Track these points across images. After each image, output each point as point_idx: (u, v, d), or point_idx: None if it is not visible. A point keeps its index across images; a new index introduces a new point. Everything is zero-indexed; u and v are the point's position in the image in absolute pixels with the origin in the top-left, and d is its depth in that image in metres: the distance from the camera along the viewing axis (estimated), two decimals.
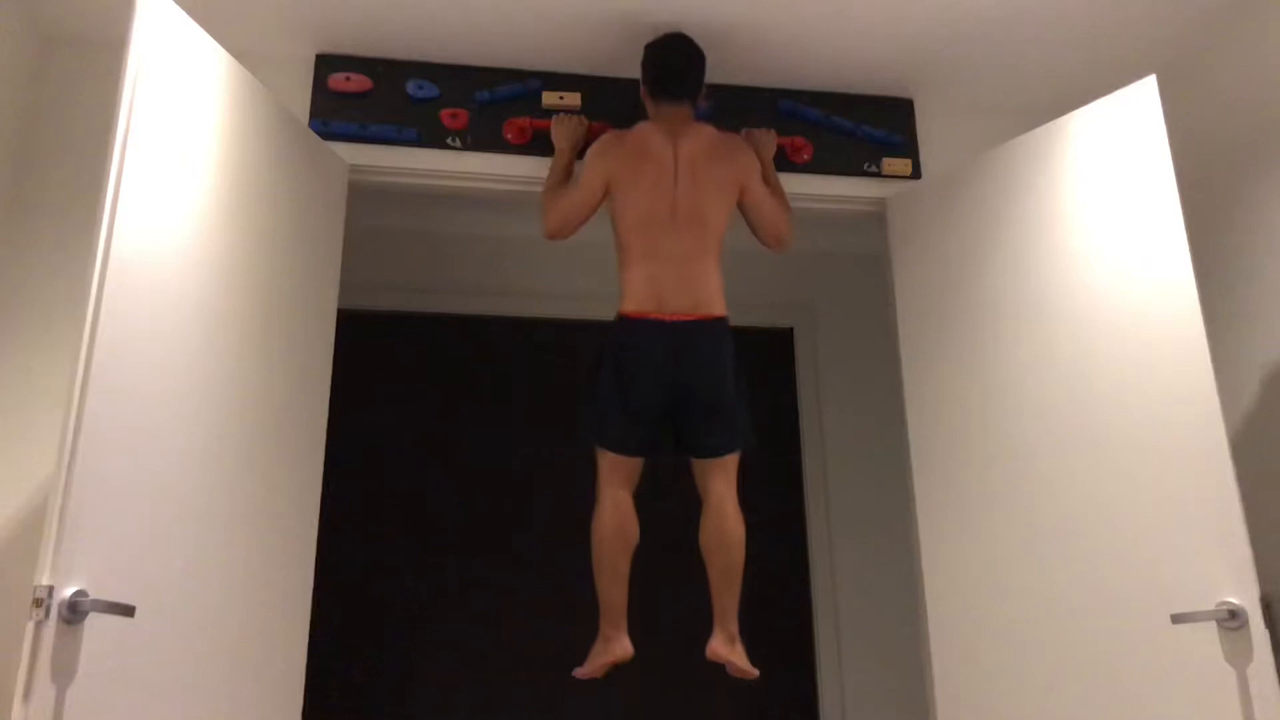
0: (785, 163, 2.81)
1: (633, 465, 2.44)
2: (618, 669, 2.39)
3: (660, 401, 2.40)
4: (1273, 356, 2.46)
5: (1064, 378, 2.31)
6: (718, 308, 2.45)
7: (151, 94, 1.95)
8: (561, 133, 2.66)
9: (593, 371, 2.48)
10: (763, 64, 2.80)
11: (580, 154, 2.67)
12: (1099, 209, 2.32)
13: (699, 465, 2.46)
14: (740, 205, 2.58)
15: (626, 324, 2.42)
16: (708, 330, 2.42)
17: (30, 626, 1.61)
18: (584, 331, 3.73)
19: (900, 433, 2.67)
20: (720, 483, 2.43)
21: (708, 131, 2.57)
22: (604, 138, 2.58)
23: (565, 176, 2.62)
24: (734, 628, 2.39)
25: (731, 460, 2.46)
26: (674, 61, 2.55)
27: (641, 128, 2.56)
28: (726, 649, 2.36)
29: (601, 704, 3.36)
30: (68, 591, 1.65)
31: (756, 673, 2.37)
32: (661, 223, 2.46)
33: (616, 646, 2.36)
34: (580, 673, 2.40)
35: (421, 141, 2.68)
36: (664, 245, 2.45)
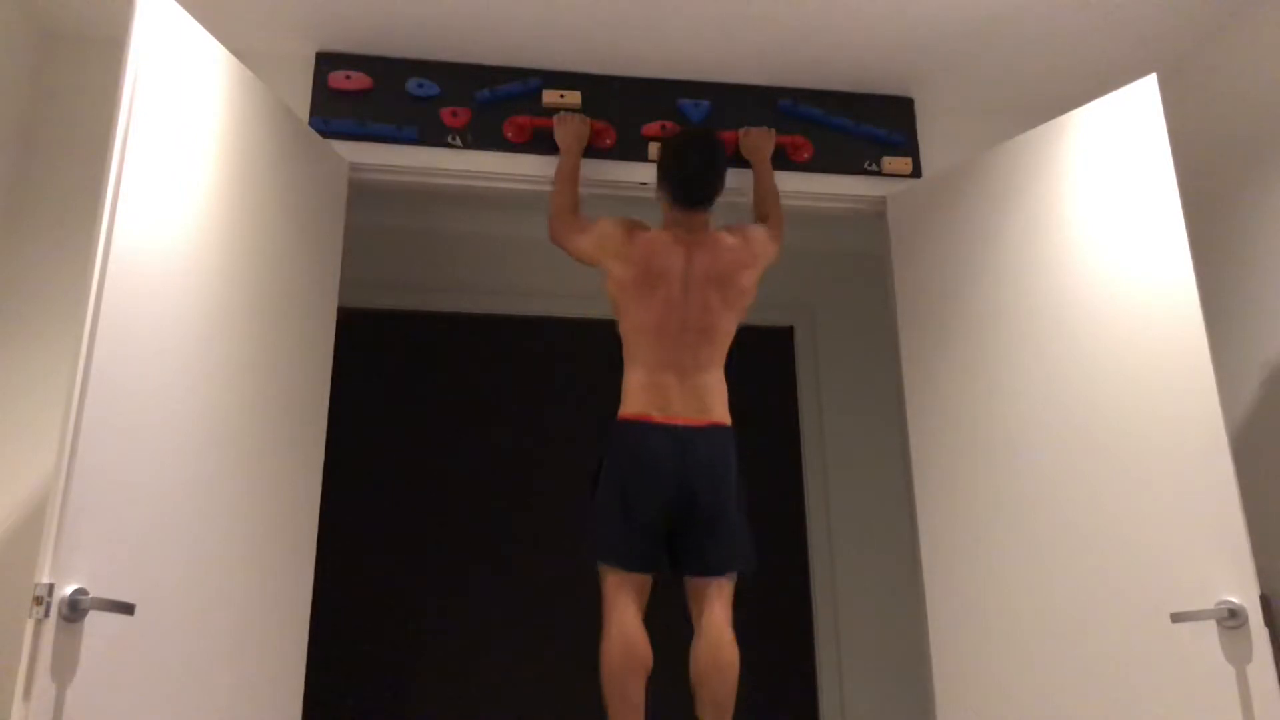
0: (785, 162, 2.81)
1: (640, 583, 2.28)
2: None
3: (664, 508, 2.27)
4: (1273, 356, 2.46)
5: (1064, 377, 2.31)
6: (722, 417, 2.35)
7: (151, 92, 1.95)
8: (565, 132, 2.65)
9: (591, 483, 2.36)
10: (763, 63, 2.80)
11: (585, 152, 2.67)
12: (1099, 208, 2.32)
13: (694, 586, 2.32)
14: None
15: (626, 426, 2.32)
16: (712, 436, 2.31)
17: (30, 624, 1.61)
18: (585, 330, 3.74)
19: (900, 432, 2.67)
20: (717, 606, 2.28)
21: (722, 239, 2.45)
22: (619, 222, 2.46)
23: (574, 177, 2.60)
24: None
25: (729, 584, 2.32)
26: (695, 168, 2.42)
27: (653, 236, 2.43)
28: None
29: (599, 701, 3.35)
30: (68, 589, 1.65)
31: None
32: (670, 335, 2.36)
33: None
34: None
35: (422, 140, 2.68)
36: (670, 356, 2.35)
